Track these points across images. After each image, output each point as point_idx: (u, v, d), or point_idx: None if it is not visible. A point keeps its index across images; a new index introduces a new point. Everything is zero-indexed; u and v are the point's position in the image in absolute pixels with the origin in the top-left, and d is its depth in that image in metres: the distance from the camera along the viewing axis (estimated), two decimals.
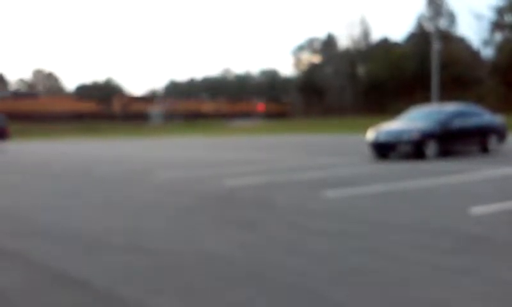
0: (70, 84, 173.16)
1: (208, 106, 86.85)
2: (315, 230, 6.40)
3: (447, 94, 44.55)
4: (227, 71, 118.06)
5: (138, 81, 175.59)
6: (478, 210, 7.21)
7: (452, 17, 76.51)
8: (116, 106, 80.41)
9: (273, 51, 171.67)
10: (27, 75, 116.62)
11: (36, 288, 4.49)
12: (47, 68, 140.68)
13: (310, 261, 5.00)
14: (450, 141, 16.16)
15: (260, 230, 6.50)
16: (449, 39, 72.08)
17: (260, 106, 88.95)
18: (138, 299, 4.10)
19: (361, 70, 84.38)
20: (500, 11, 69.54)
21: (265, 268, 4.83)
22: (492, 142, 16.99)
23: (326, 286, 4.28)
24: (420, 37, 72.72)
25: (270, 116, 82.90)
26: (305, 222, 6.90)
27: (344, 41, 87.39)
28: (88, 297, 4.20)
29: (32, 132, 55.97)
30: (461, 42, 75.31)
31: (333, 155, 18.63)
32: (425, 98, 41.00)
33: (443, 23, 74.68)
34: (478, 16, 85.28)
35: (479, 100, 42.37)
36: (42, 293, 4.35)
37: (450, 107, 17.34)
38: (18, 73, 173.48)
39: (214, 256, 5.28)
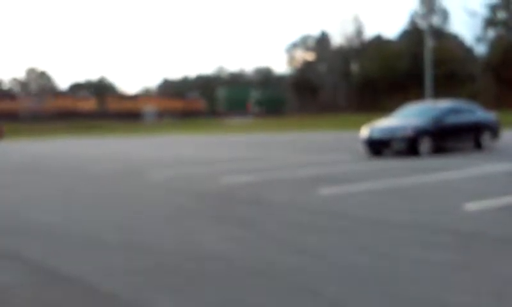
0: (63, 83, 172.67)
1: (86, 104, 75.56)
2: (308, 227, 6.42)
3: (440, 91, 44.60)
4: (221, 69, 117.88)
5: (132, 79, 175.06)
6: (472, 206, 7.24)
7: (445, 14, 76.87)
8: None
9: (267, 49, 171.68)
10: (21, 74, 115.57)
11: (29, 286, 4.48)
12: (40, 66, 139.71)
13: (303, 259, 5.01)
14: (443, 138, 16.21)
15: (256, 228, 6.51)
16: (442, 36, 72.35)
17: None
18: (135, 298, 4.10)
19: (354, 68, 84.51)
20: (493, 8, 69.90)
21: (261, 265, 4.84)
22: (485, 138, 17.04)
23: (320, 282, 4.29)
24: (413, 34, 72.87)
25: (173, 114, 75.65)
26: (299, 219, 6.91)
27: (337, 39, 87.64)
28: (89, 297, 4.20)
29: None
30: (454, 39, 75.59)
31: (327, 152, 18.65)
32: (419, 95, 41.03)
33: (436, 20, 74.97)
34: (471, 13, 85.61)
35: (472, 96, 42.49)
36: (35, 291, 4.33)
37: (444, 104, 17.38)
38: (11, 72, 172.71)
39: (209, 254, 5.28)
